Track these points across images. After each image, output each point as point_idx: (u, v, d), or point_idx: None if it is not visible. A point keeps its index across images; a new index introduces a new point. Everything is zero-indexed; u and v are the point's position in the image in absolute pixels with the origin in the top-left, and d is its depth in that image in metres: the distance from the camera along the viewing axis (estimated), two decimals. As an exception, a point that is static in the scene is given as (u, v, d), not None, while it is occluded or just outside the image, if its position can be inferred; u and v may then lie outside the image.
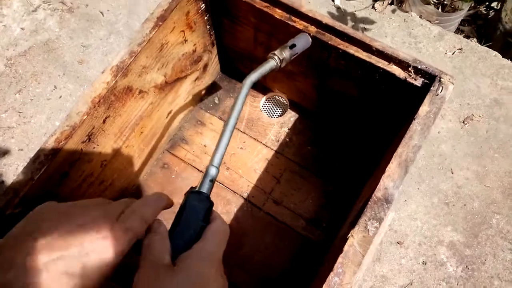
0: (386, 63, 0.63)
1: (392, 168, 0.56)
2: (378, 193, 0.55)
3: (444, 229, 0.96)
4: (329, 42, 0.65)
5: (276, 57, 0.58)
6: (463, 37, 1.22)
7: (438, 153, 1.03)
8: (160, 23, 0.65)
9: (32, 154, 1.05)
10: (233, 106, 0.53)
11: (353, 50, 0.65)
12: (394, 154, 0.56)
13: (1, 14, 1.26)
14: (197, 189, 0.46)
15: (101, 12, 1.26)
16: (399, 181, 0.55)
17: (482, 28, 1.49)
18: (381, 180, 0.55)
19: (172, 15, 0.67)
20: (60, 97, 1.14)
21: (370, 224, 0.53)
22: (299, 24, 0.67)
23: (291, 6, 0.66)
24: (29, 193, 0.58)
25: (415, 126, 0.58)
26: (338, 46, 0.65)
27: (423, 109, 0.58)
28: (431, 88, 0.59)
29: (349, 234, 0.53)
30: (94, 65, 1.17)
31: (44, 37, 1.24)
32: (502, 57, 1.15)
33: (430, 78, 0.61)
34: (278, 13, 0.68)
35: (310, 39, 0.62)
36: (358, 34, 0.63)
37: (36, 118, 1.12)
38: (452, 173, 1.01)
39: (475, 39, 1.25)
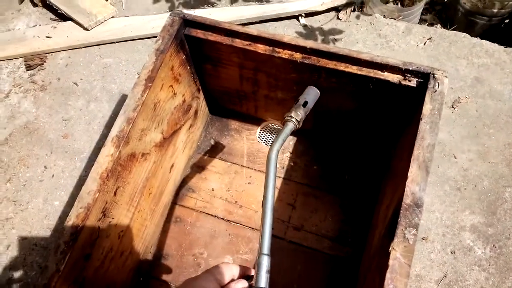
0: (378, 71, 0.64)
1: (414, 171, 0.56)
2: (407, 199, 0.55)
3: (463, 214, 0.97)
4: (318, 64, 0.66)
5: (293, 119, 0.57)
6: (428, 25, 1.26)
7: (437, 141, 1.04)
8: (150, 84, 0.65)
9: (37, 241, 1.03)
10: (266, 183, 0.50)
11: (342, 66, 0.66)
12: (412, 158, 0.56)
13: (-26, 108, 1.23)
14: (254, 284, 0.44)
15: (74, 83, 1.25)
16: (424, 183, 0.55)
17: (443, 13, 1.54)
18: (406, 186, 0.55)
19: (159, 73, 0.67)
20: (53, 176, 1.12)
21: (407, 233, 0.53)
22: (284, 53, 0.68)
23: (273, 39, 0.67)
24: (57, 286, 0.56)
25: (423, 126, 0.58)
26: (327, 66, 0.66)
27: (427, 107, 0.59)
28: (428, 86, 0.61)
29: (390, 248, 0.53)
30: (80, 137, 1.16)
31: (22, 120, 1.22)
32: (470, 36, 1.19)
33: (423, 76, 0.63)
34: (261, 48, 0.69)
35: (318, 91, 0.61)
36: (344, 51, 0.64)
37: (32, 203, 1.08)
38: (455, 158, 1.02)
39: (439, 25, 1.29)
